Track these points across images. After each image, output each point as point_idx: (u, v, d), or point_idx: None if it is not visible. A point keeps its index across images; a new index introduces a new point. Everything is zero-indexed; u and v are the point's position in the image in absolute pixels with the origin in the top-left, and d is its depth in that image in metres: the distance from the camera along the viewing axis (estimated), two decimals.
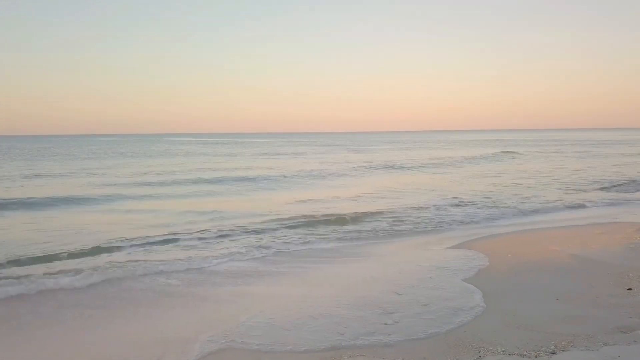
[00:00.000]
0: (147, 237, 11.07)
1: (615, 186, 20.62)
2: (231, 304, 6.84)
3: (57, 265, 8.79)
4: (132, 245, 10.37)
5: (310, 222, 13.05)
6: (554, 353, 4.75)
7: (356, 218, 13.53)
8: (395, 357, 4.86)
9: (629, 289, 6.71)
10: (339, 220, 13.26)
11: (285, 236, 11.53)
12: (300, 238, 11.35)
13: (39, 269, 8.51)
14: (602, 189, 19.93)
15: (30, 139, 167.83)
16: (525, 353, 4.79)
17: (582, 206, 15.56)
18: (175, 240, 10.92)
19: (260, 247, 10.43)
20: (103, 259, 9.30)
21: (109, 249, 9.98)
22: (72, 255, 9.43)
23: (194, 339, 5.54)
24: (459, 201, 16.54)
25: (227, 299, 7.09)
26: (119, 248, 10.11)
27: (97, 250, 9.85)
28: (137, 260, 9.13)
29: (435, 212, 14.38)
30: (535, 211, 14.76)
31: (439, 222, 13.08)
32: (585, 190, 19.37)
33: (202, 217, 13.90)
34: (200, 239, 11.11)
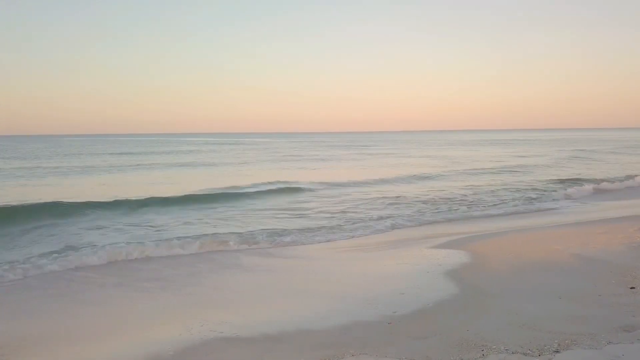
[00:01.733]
0: None
1: None
2: (234, 295, 6.85)
3: None
4: None
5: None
6: (557, 352, 4.74)
7: None
8: (398, 355, 4.85)
9: (632, 288, 6.69)
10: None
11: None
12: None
13: None
14: None
15: (30, 139, 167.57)
16: (528, 352, 4.77)
17: None
18: None
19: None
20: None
21: None
22: None
23: (190, 328, 5.54)
24: None
25: (233, 291, 7.09)
26: None
27: None
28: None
29: None
30: None
31: None
32: None
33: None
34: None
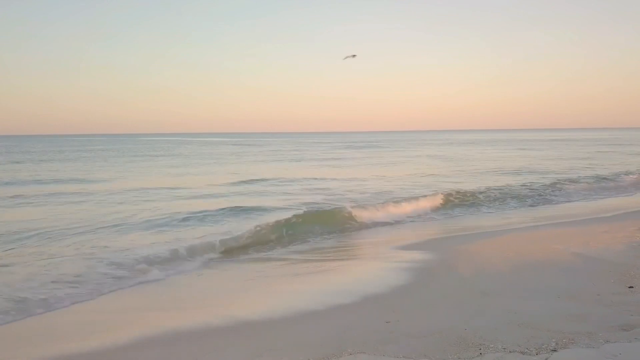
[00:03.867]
0: None
1: None
2: (231, 294, 6.87)
3: None
4: None
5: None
6: (554, 350, 4.75)
7: None
8: (396, 354, 4.86)
9: (630, 287, 6.70)
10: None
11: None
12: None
13: None
14: None
15: (29, 139, 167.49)
16: (526, 350, 4.78)
17: None
18: None
19: None
20: None
21: None
22: None
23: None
24: None
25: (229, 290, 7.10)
26: None
27: None
28: None
29: None
30: None
31: None
32: None
33: None
34: None
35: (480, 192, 17.27)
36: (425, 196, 16.00)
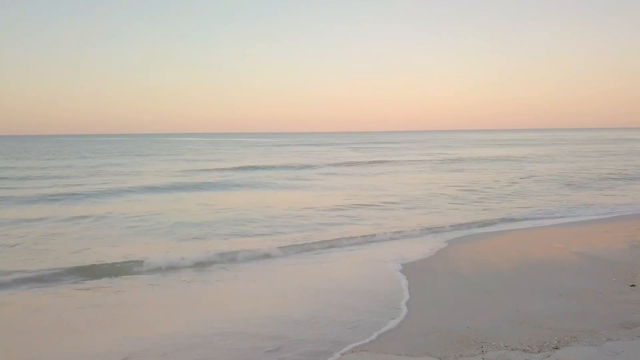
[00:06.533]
0: None
1: None
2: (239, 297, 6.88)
3: None
4: None
5: None
6: (556, 348, 4.75)
7: None
8: (398, 351, 4.86)
9: (632, 286, 6.71)
10: None
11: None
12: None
13: None
14: None
15: (32, 138, 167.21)
16: (528, 348, 4.79)
17: None
18: None
19: None
20: None
21: None
22: None
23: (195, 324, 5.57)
24: None
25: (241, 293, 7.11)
26: None
27: None
28: None
29: None
30: None
31: None
32: None
33: None
34: None
35: None
36: None
